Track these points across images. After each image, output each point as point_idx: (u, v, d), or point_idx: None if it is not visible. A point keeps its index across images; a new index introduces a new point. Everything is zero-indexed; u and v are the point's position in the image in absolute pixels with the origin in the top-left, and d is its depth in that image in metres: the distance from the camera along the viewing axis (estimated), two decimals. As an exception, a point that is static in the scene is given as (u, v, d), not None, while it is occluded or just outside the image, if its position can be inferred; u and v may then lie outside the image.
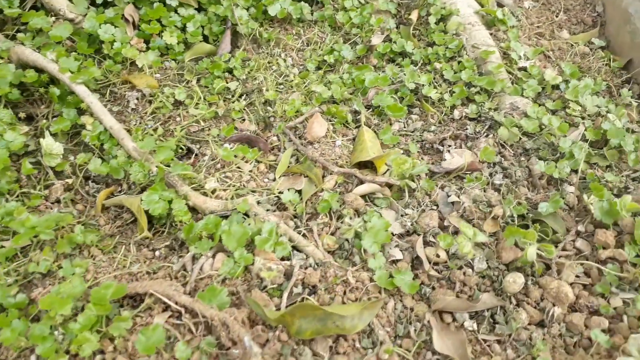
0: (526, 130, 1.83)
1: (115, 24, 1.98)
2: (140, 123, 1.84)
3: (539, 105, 1.99)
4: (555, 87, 2.08)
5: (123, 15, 2.02)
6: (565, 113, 1.93)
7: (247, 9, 2.25)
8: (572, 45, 2.43)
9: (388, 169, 1.75)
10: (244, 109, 1.92)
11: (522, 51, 2.19)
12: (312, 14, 2.38)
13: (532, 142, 1.83)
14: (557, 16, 2.74)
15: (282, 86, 2.05)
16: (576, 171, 1.71)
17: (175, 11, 2.15)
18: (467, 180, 1.72)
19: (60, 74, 1.81)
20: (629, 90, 2.18)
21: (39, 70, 1.85)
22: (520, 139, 1.85)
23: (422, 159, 1.87)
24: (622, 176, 1.71)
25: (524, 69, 2.14)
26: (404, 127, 1.99)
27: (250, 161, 1.74)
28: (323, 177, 1.75)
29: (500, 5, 2.60)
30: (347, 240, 1.55)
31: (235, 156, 1.74)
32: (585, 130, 1.84)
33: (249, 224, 1.53)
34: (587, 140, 1.82)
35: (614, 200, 1.51)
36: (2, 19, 1.98)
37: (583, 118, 1.92)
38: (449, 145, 1.90)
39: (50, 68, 1.82)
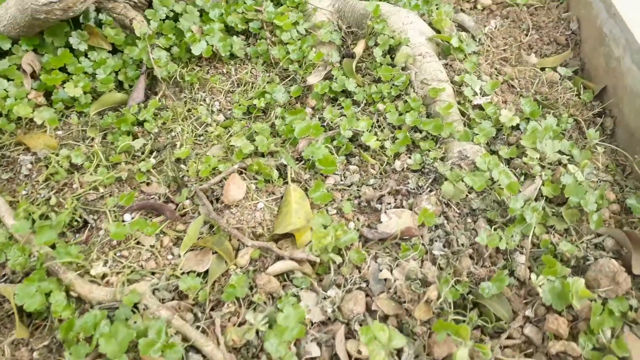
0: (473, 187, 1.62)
1: (9, 76, 1.79)
2: (32, 192, 1.65)
3: (492, 153, 1.78)
4: (515, 127, 1.86)
5: (20, 65, 1.83)
6: (522, 162, 1.71)
7: (169, 49, 2.06)
8: (540, 70, 2.21)
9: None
10: (152, 169, 1.72)
11: (479, 85, 1.98)
12: (245, 49, 2.18)
13: (479, 201, 1.62)
14: (527, 35, 2.52)
15: (201, 138, 1.85)
16: (529, 236, 1.49)
17: (86, 55, 1.97)
18: (402, 249, 1.52)
19: (-61, 140, 1.63)
20: (600, 125, 1.97)
21: None
22: (467, 195, 1.64)
23: (357, 220, 1.67)
24: (583, 242, 1.50)
25: (480, 106, 1.93)
26: (341, 181, 1.79)
27: (151, 234, 1.55)
28: (238, 250, 1.56)
29: (461, 27, 2.40)
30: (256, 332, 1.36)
31: (139, 230, 1.55)
32: (543, 184, 1.62)
33: (135, 322, 1.33)
34: (544, 197, 1.60)
35: (567, 281, 1.30)
36: None
37: (542, 167, 1.70)
38: (388, 203, 1.70)
39: None
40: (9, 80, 1.79)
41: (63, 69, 1.91)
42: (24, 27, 1.81)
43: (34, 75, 1.87)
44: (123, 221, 1.61)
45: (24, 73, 1.84)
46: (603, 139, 1.91)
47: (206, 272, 1.49)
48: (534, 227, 1.50)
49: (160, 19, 2.11)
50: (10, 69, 1.81)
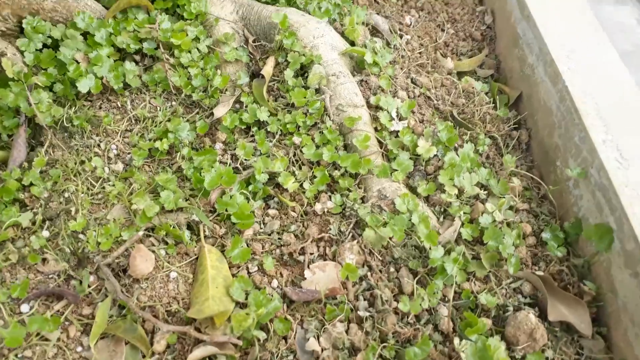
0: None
1: None
2: None
3: (411, 189, 1.78)
4: (434, 156, 1.86)
5: None
6: (441, 198, 1.73)
7: (51, 87, 1.85)
8: (456, 80, 2.20)
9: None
10: (47, 244, 1.58)
11: (395, 106, 1.94)
12: (142, 75, 2.00)
13: (401, 249, 1.63)
14: (443, 31, 2.49)
15: (99, 197, 1.71)
16: (452, 288, 1.53)
17: (-52, 105, 1.73)
18: (328, 311, 1.51)
19: None
20: (517, 139, 2.01)
21: None
22: (388, 242, 1.64)
23: (280, 275, 1.64)
24: (502, 287, 1.56)
25: (397, 133, 1.90)
26: (261, 228, 1.73)
27: (54, 330, 1.44)
28: (153, 332, 1.49)
29: (376, 30, 2.31)
30: None
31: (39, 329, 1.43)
32: (462, 225, 1.65)
33: None
34: (465, 241, 1.64)
35: (488, 343, 1.36)
36: None
37: (461, 202, 1.73)
38: (311, 253, 1.68)
39: None
40: None
41: None
42: None
43: None
44: (20, 313, 1.48)
45: None
46: (520, 156, 1.96)
47: (121, 366, 1.42)
48: (456, 276, 1.54)
49: (36, 49, 1.87)
50: None
